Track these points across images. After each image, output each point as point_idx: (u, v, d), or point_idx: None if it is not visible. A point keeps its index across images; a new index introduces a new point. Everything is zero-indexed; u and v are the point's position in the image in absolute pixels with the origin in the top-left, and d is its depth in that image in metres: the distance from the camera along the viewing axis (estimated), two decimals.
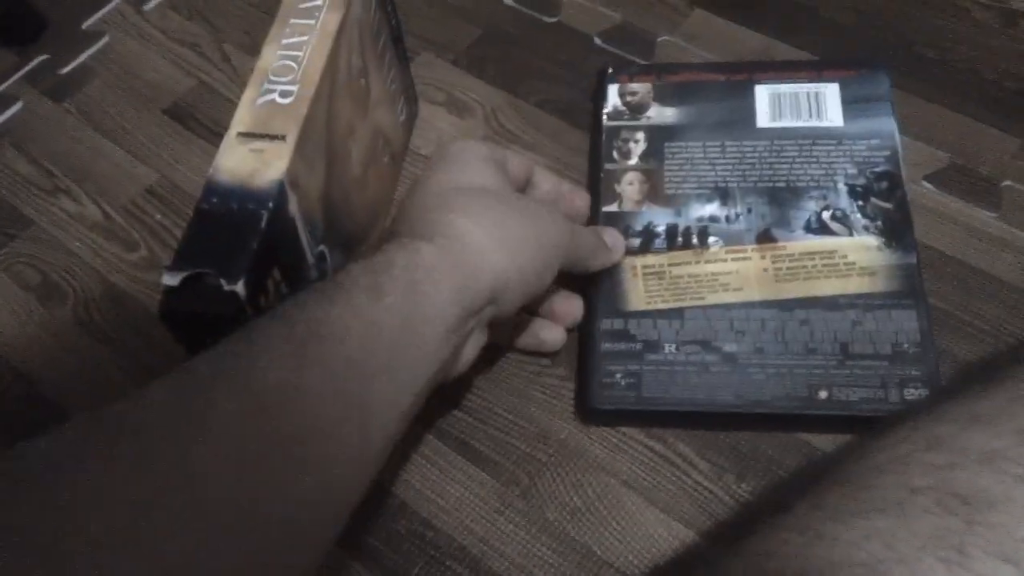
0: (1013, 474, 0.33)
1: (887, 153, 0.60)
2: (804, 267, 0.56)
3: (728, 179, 0.60)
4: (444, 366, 0.43)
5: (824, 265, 0.55)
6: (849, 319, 0.53)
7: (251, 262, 0.42)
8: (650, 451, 0.52)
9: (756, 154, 0.60)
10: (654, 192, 0.60)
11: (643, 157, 0.61)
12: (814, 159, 0.60)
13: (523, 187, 0.55)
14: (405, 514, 0.51)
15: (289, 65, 0.49)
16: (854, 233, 0.56)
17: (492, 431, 0.54)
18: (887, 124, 0.61)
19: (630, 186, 0.60)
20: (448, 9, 0.76)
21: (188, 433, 0.34)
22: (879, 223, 0.57)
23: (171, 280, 0.42)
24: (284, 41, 0.50)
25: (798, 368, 0.52)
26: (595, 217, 0.59)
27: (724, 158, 0.61)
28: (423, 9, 0.75)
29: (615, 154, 0.62)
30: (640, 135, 0.62)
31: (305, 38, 0.50)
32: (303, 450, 0.36)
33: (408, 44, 0.65)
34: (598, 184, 0.61)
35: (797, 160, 0.60)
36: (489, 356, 0.55)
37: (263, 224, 0.43)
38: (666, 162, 0.61)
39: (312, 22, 0.51)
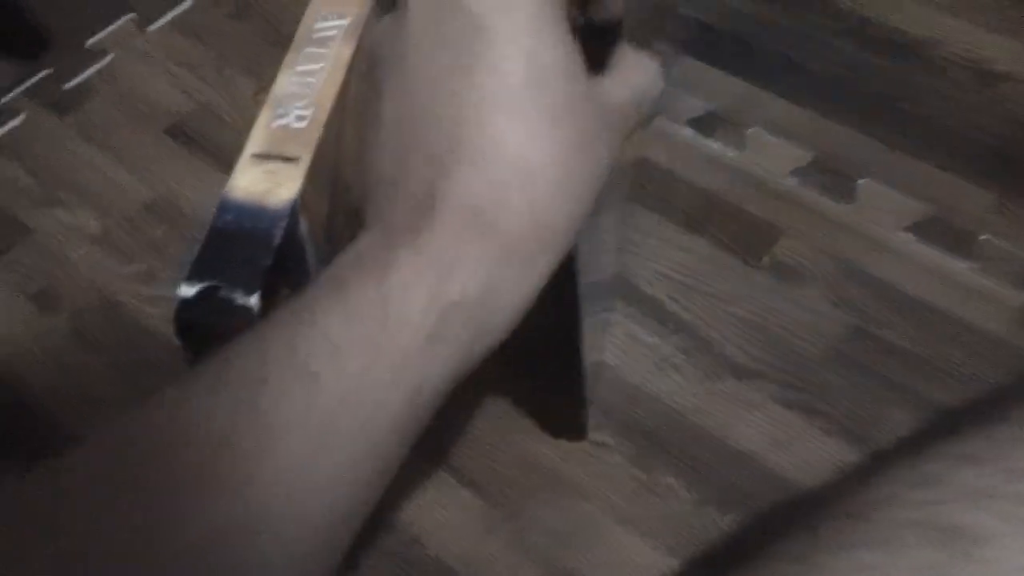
0: (1001, 510, 0.34)
1: None
2: None
3: None
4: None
5: None
6: None
7: (264, 278, 0.43)
8: (634, 480, 0.53)
9: None
10: None
11: None
12: None
13: None
14: (391, 532, 0.52)
15: (303, 92, 0.50)
16: None
17: (478, 455, 0.55)
18: None
19: None
20: None
21: (113, 491, 0.34)
22: None
23: (187, 291, 0.43)
24: (299, 68, 0.52)
25: None
26: None
27: None
28: None
29: None
30: None
31: (319, 66, 0.52)
32: (254, 490, 0.35)
33: None
34: None
35: None
36: (475, 384, 0.55)
37: (276, 242, 0.45)
38: None
39: (326, 51, 0.53)
